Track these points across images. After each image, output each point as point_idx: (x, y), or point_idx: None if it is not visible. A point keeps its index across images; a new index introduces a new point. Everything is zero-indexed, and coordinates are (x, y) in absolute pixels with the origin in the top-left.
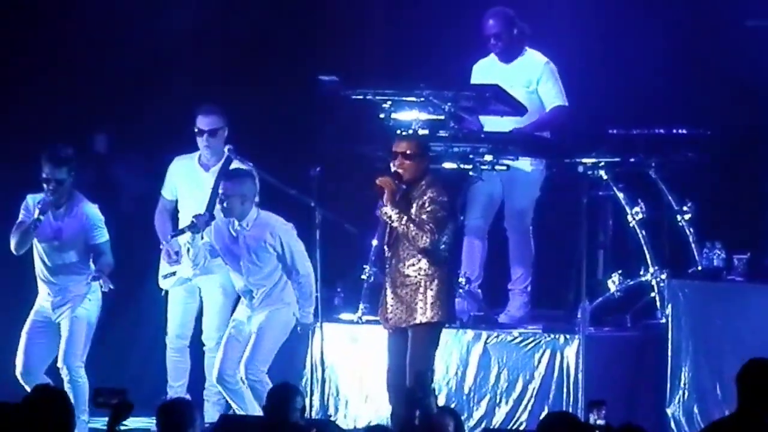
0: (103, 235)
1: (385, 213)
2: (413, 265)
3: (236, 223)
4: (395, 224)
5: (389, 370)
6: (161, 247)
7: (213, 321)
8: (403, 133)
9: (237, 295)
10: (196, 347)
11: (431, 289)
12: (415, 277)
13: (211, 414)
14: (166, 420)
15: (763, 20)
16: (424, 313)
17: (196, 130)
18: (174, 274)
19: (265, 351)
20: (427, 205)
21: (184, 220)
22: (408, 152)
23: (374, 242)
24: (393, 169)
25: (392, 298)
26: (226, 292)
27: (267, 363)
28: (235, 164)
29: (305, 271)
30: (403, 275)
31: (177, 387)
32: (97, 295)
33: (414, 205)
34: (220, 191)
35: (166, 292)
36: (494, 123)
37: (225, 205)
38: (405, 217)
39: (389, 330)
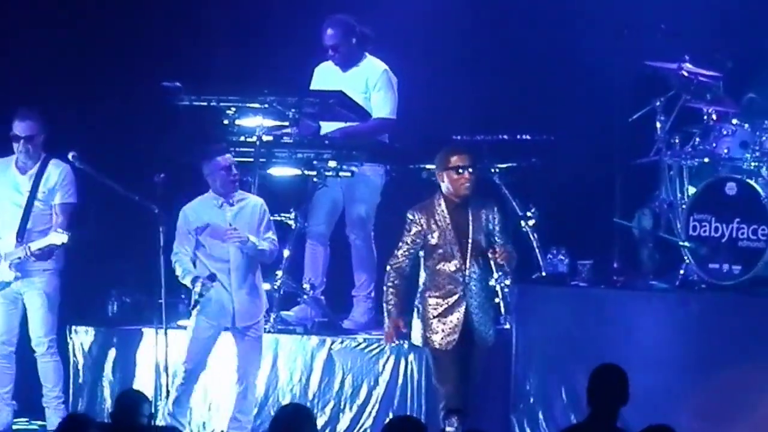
0: None
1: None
2: (491, 282)
3: None
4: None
5: (461, 384)
6: None
7: (39, 327)
8: (459, 144)
9: (60, 300)
10: (29, 354)
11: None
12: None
13: (52, 421)
14: None
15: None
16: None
17: (12, 135)
18: None
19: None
20: (498, 222)
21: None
22: (472, 166)
23: None
24: (462, 183)
25: (479, 316)
26: (49, 297)
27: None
28: (51, 167)
29: None
30: (487, 292)
31: (3, 393)
32: None
33: (476, 220)
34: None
35: None
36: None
37: None
38: (508, 251)
39: (452, 346)
